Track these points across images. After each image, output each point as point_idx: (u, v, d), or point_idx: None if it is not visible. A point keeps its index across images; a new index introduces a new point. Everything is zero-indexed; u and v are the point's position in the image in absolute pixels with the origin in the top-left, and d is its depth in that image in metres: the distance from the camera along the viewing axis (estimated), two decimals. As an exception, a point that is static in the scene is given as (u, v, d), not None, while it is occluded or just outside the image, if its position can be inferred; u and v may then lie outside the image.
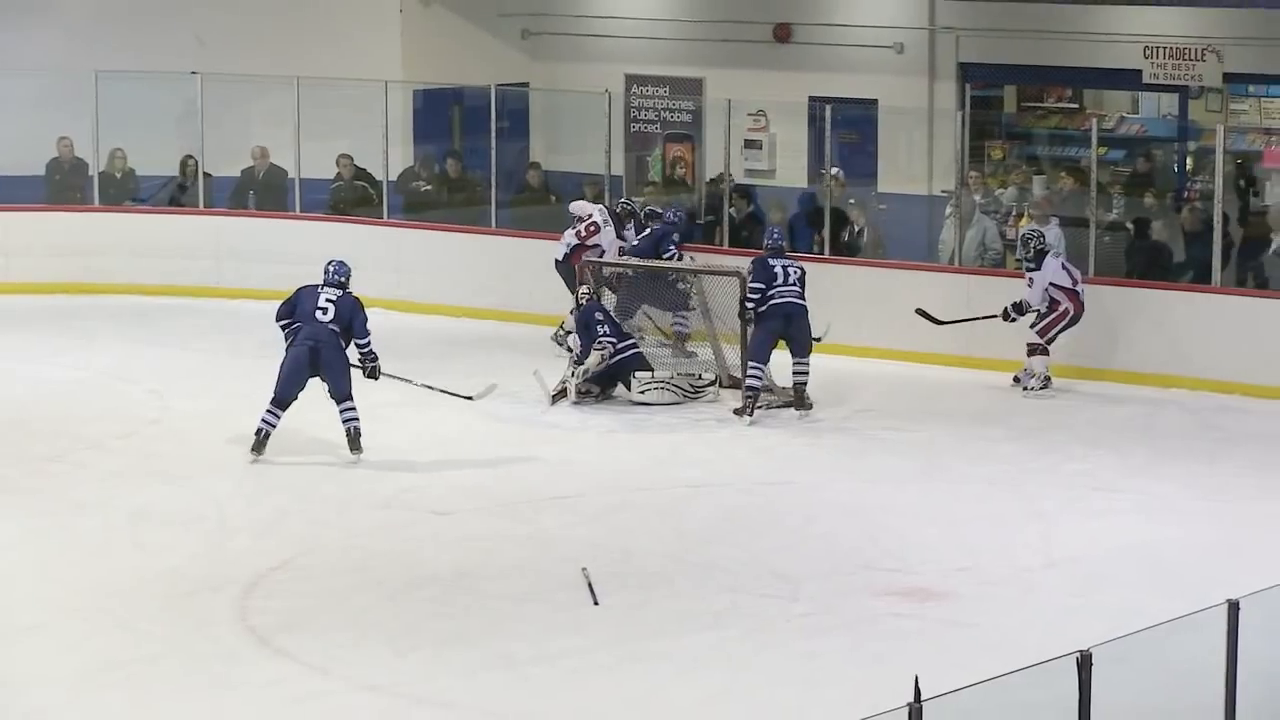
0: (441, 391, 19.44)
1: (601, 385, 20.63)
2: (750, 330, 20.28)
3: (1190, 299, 21.68)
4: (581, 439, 19.74)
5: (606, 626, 14.93)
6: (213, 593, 15.22)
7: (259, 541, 16.64)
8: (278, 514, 17.45)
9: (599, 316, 20.56)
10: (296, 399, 18.49)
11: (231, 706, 13.48)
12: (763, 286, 19.95)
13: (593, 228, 22.30)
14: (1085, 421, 20.24)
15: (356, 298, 18.84)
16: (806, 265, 20.90)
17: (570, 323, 21.07)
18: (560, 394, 20.57)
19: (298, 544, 16.67)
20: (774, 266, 20.04)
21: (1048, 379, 20.90)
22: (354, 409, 18.50)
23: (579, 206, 22.95)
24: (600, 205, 22.92)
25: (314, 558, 16.40)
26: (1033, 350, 20.82)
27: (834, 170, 23.09)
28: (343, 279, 18.75)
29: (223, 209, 26.25)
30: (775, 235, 20.79)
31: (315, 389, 18.51)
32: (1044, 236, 21.03)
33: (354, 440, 18.47)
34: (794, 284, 20.04)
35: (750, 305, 20.13)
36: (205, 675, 14.00)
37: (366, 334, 18.71)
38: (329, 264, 18.79)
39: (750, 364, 20.00)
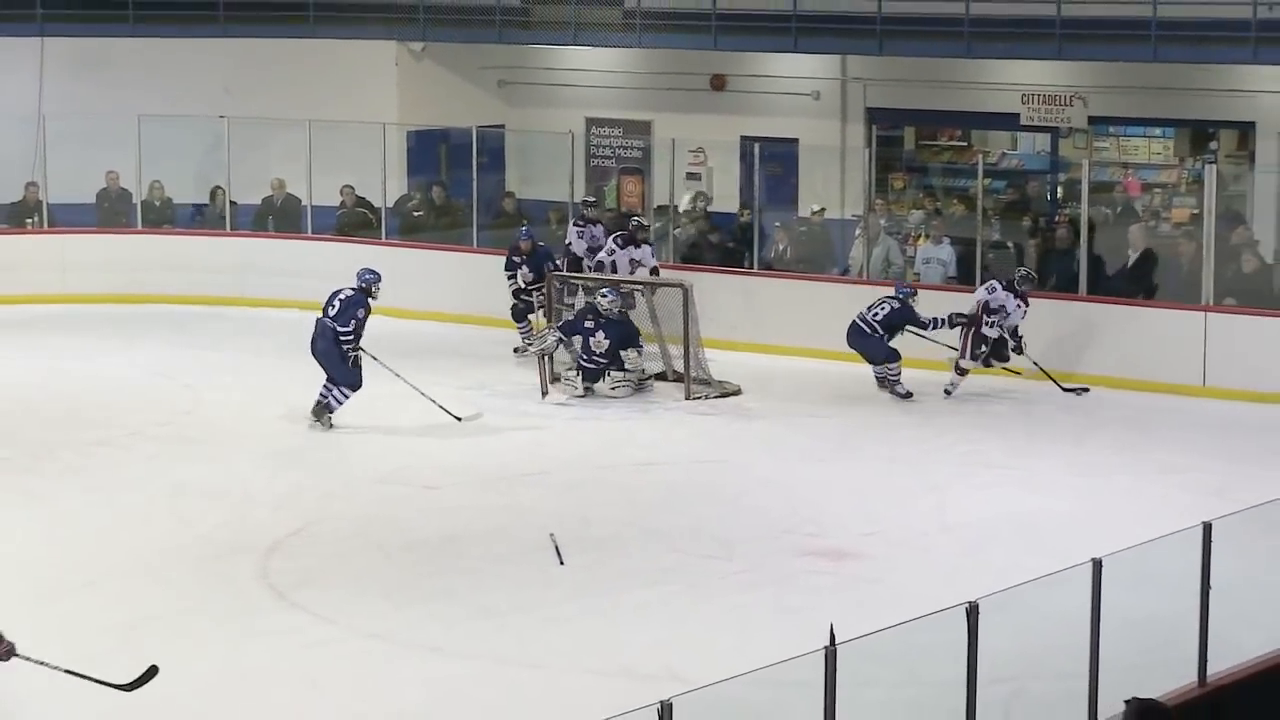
0: (437, 405, 19.20)
1: (588, 384, 20.65)
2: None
3: (1059, 306, 21.70)
4: (551, 425, 19.76)
5: (570, 582, 14.96)
6: (238, 555, 15.26)
7: (277, 512, 16.63)
8: (293, 488, 17.45)
9: (589, 325, 20.60)
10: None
11: (254, 651, 13.49)
12: None
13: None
14: (974, 410, 20.30)
15: (362, 295, 19.12)
16: (744, 280, 21.25)
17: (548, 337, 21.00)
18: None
19: (310, 514, 16.67)
20: None
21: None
22: (331, 389, 18.96)
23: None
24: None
25: (324, 525, 16.40)
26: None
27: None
28: (363, 283, 19.11)
29: (246, 231, 26.21)
30: None
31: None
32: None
33: (317, 410, 18.95)
34: None
35: None
36: (233, 625, 14.01)
37: (348, 325, 18.89)
38: (362, 268, 19.35)
39: None
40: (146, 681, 12.39)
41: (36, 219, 26.39)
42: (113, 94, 26.90)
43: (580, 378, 20.48)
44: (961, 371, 20.58)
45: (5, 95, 27.22)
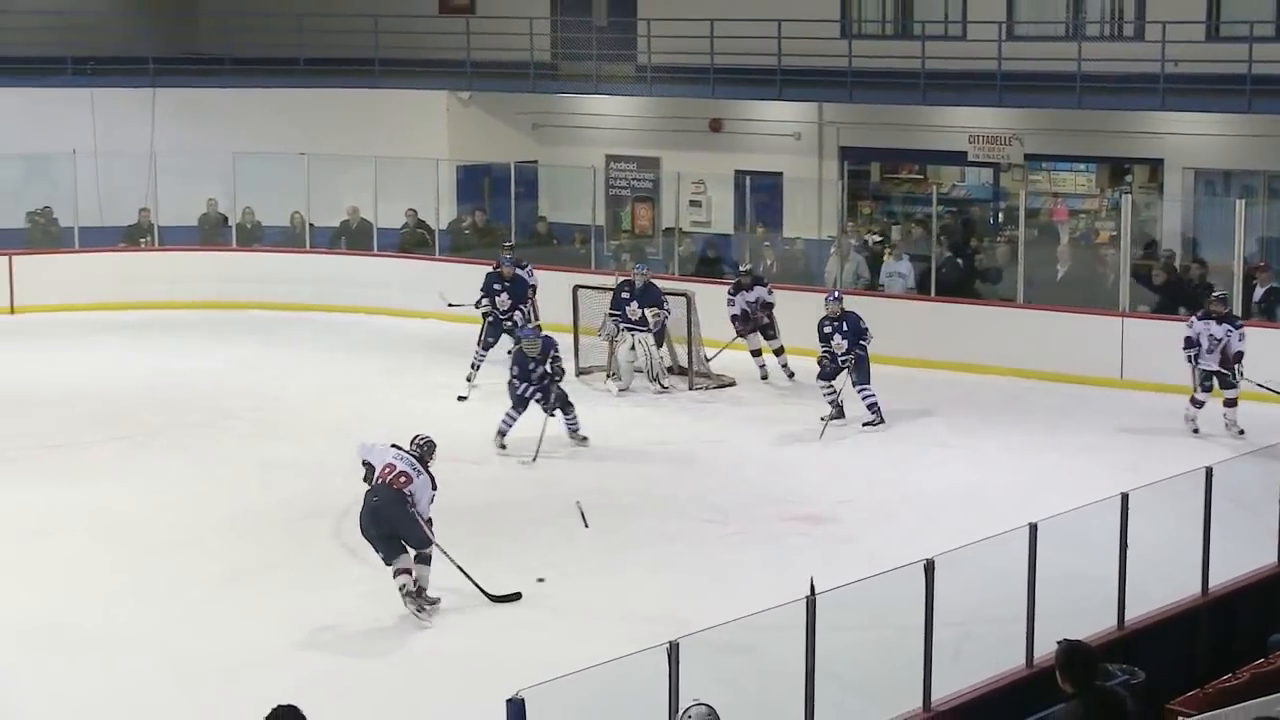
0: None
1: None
2: None
3: (1001, 311, 21.71)
4: (578, 412, 19.69)
5: (593, 542, 14.94)
6: (315, 519, 15.27)
7: (348, 482, 16.46)
8: (358, 464, 17.39)
9: (625, 295, 20.41)
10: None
11: (328, 599, 13.50)
12: None
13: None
14: (928, 398, 20.20)
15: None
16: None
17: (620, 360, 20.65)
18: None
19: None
20: None
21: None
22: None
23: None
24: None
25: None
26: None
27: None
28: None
29: (324, 249, 26.15)
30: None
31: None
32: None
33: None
34: None
35: None
36: (311, 577, 14.03)
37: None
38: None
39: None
40: (511, 600, 13.16)
41: (149, 239, 26.41)
42: (211, 135, 26.90)
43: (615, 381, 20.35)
44: (1198, 404, 18.20)
45: (124, 137, 27.19)
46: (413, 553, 13.03)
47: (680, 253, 24.29)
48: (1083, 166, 24.54)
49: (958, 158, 25.06)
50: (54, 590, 13.68)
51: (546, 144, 27.77)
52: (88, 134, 26.91)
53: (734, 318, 20.91)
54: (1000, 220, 24.84)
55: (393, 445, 13.47)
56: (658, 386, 20.44)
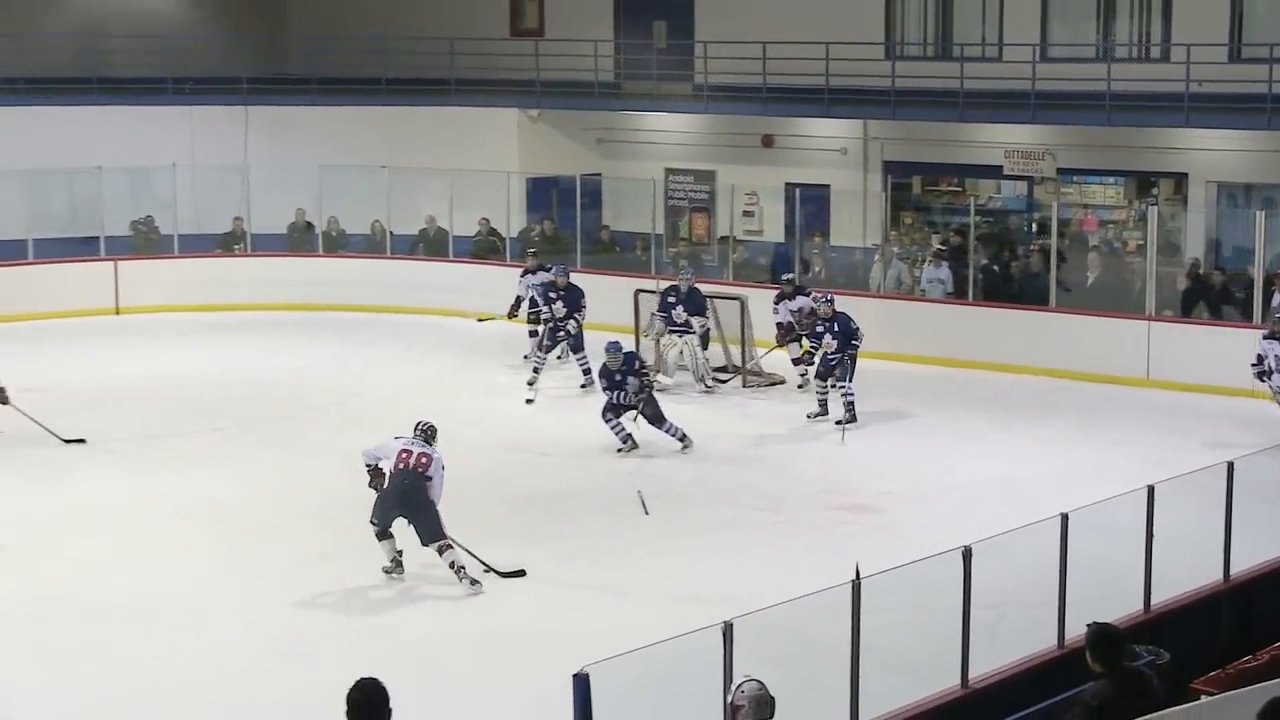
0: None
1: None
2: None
3: (1034, 315, 21.58)
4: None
5: (653, 528, 14.93)
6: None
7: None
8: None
9: (671, 300, 20.44)
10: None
11: (408, 578, 13.55)
12: None
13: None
14: (965, 396, 20.15)
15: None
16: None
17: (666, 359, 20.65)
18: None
19: (451, 473, 16.62)
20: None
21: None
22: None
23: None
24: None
25: (462, 483, 16.29)
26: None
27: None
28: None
29: (402, 255, 26.23)
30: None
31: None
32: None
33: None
34: None
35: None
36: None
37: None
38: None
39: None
40: (517, 575, 13.29)
41: (242, 246, 26.54)
42: (300, 150, 27.01)
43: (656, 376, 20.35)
44: None
45: (219, 151, 27.36)
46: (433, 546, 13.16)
47: (734, 259, 24.25)
48: (1112, 180, 24.37)
49: (994, 171, 24.91)
50: (154, 569, 13.78)
51: (610, 158, 27.76)
52: (186, 149, 27.07)
53: (778, 325, 20.76)
54: (1034, 229, 24.69)
55: (396, 437, 13.62)
56: (703, 386, 20.36)
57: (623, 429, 17.48)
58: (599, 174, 27.27)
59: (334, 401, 19.81)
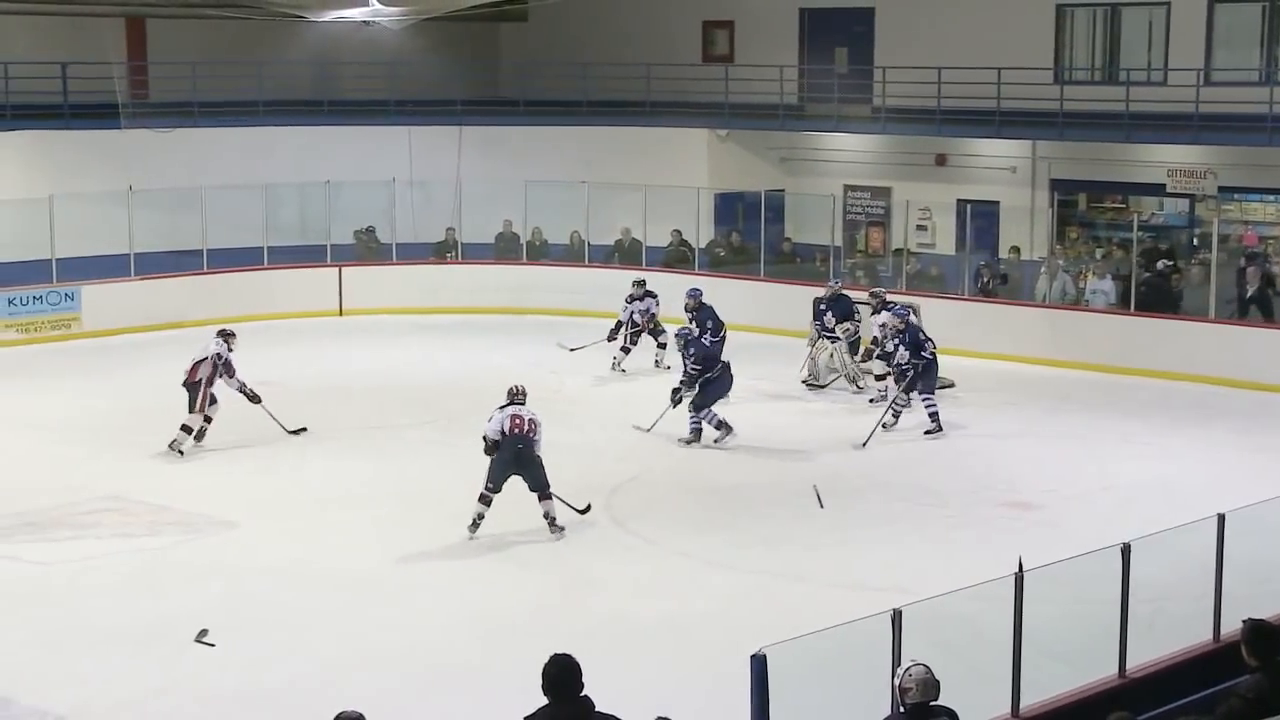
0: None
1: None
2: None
3: (1194, 325, 21.17)
4: (812, 407, 19.62)
5: (827, 521, 14.83)
6: (589, 494, 15.28)
7: (618, 463, 16.73)
8: (628, 447, 17.55)
9: (822, 308, 20.33)
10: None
11: (599, 563, 13.63)
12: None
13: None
14: (1126, 401, 19.78)
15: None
16: (965, 304, 20.76)
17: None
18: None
19: (640, 465, 16.74)
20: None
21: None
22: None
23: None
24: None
25: (650, 475, 16.45)
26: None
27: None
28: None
29: (598, 263, 26.36)
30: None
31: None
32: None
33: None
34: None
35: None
36: (583, 543, 14.14)
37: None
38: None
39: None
40: (584, 512, 14.14)
41: (454, 254, 26.88)
42: (508, 166, 27.29)
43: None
44: None
45: (435, 167, 27.77)
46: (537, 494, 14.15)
47: (907, 270, 24.01)
48: (1271, 197, 23.73)
49: (1157, 189, 24.42)
50: (369, 549, 13.99)
51: (792, 175, 27.65)
52: (405, 165, 27.51)
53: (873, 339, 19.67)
54: (1195, 244, 24.13)
55: (500, 407, 14.38)
56: (855, 387, 20.13)
57: (715, 416, 17.59)
58: (782, 190, 27.17)
59: (535, 398, 19.70)
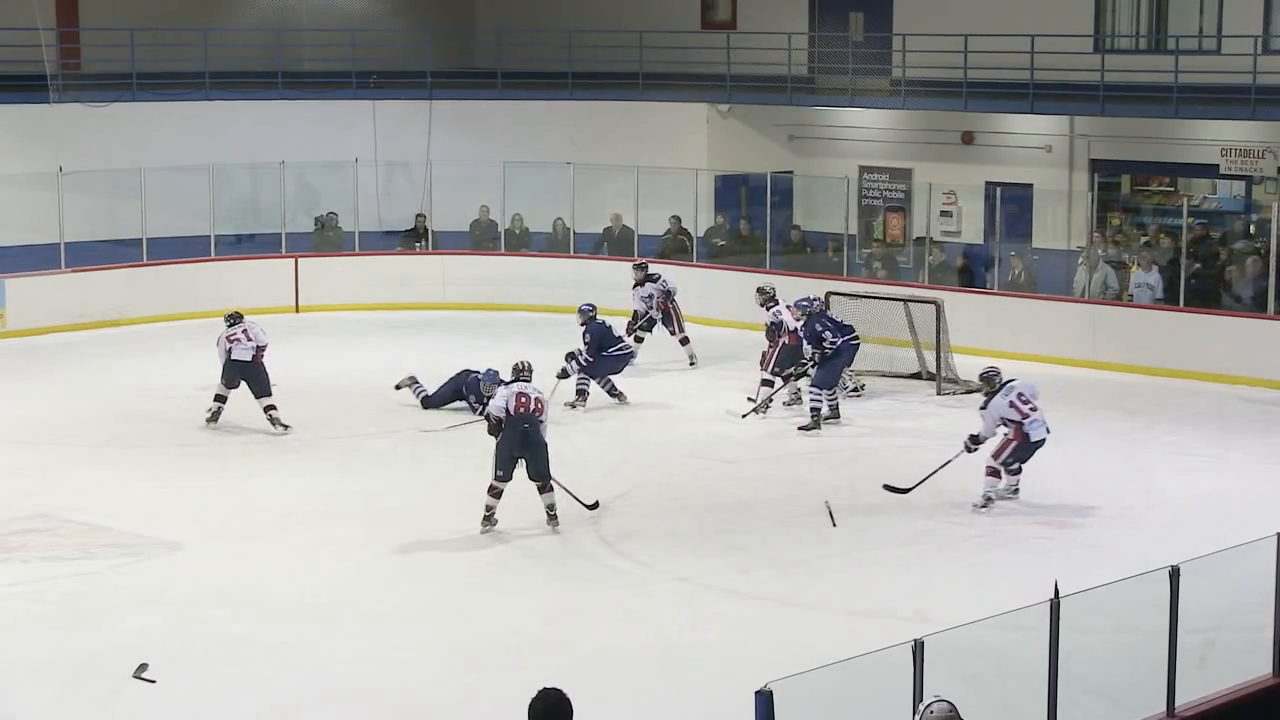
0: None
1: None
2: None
3: (1250, 322, 21.20)
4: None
5: (841, 541, 14.84)
6: (576, 510, 15.30)
7: (607, 478, 16.71)
8: (619, 460, 17.55)
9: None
10: None
11: (586, 588, 13.61)
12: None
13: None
14: (1175, 407, 19.79)
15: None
16: (986, 299, 20.69)
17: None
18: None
19: (632, 481, 16.73)
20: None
21: (989, 499, 15.76)
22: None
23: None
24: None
25: (643, 491, 16.44)
26: (990, 471, 15.94)
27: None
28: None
29: (585, 254, 26.38)
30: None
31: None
32: (999, 377, 16.28)
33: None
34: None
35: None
36: (569, 567, 14.14)
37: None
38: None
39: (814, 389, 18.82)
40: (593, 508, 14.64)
41: (424, 243, 26.90)
42: (483, 146, 27.33)
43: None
44: None
45: (402, 147, 27.80)
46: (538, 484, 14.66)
47: (930, 261, 24.04)
48: (1336, 179, 23.81)
49: (1209, 170, 24.45)
50: (333, 572, 13.99)
51: (802, 155, 27.69)
52: (369, 143, 27.53)
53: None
54: (1251, 232, 24.16)
55: (505, 383, 15.17)
56: (849, 389, 20.20)
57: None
58: (790, 172, 27.22)
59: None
